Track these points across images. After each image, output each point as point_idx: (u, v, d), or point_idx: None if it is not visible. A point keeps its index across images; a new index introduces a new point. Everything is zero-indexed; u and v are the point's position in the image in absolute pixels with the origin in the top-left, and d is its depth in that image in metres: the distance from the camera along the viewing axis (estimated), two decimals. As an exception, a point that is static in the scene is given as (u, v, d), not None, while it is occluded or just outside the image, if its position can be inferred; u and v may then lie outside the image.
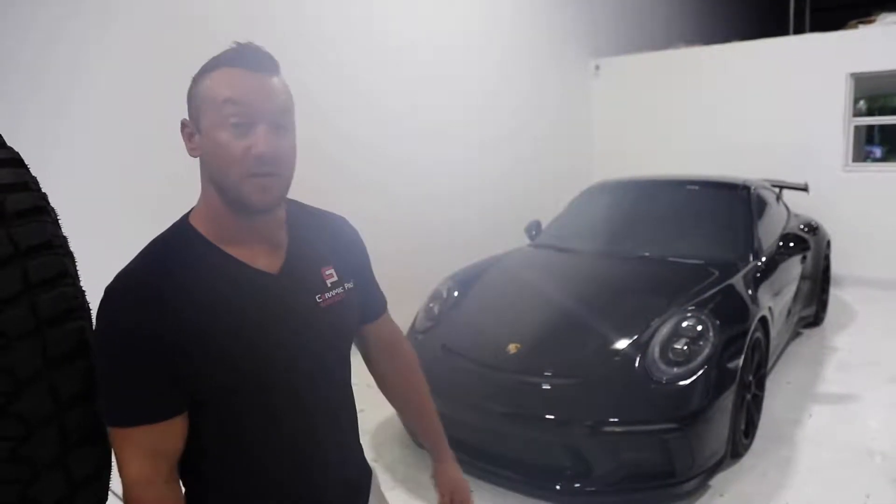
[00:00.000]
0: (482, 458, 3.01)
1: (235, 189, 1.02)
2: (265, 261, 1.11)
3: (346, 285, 1.21)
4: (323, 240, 1.22)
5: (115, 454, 1.01)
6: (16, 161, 1.09)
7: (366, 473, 1.35)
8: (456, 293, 3.72)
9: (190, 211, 1.12)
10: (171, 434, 1.01)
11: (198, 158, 1.08)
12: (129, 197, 3.57)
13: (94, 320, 1.15)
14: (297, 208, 1.22)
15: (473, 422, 3.07)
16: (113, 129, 3.51)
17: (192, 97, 1.05)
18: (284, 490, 1.13)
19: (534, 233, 4.78)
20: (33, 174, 1.12)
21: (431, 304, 3.70)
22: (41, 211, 1.06)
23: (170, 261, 1.03)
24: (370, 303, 1.36)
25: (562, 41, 7.55)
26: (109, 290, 1.00)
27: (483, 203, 6.19)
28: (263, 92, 1.02)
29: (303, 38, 4.43)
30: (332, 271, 1.19)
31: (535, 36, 7.08)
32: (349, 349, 1.27)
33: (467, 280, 3.85)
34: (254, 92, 1.01)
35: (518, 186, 6.62)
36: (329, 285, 1.17)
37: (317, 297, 1.15)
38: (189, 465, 1.08)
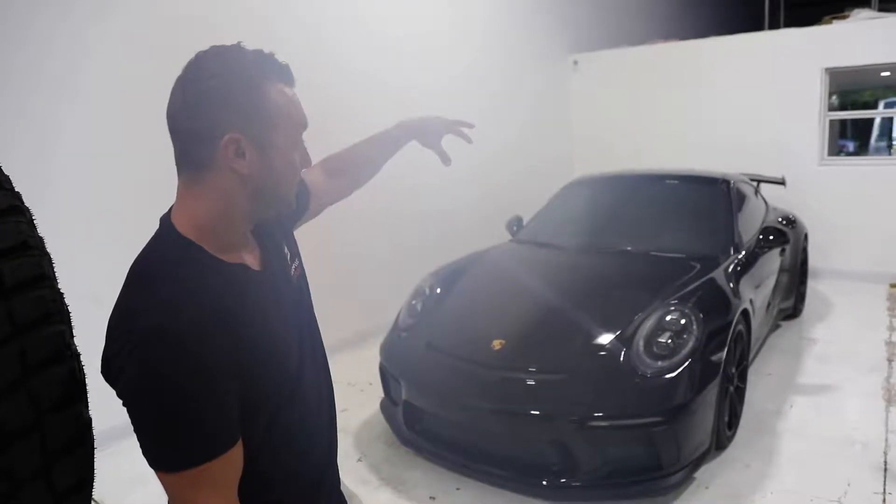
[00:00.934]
0: (468, 456, 3.00)
1: (285, 199, 1.09)
2: (252, 259, 1.11)
3: (297, 259, 1.25)
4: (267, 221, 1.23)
5: (185, 499, 0.95)
6: (-12, 160, 1.04)
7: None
8: (438, 290, 3.70)
9: (169, 220, 1.05)
10: (239, 454, 0.99)
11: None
12: (120, 199, 3.52)
13: (72, 324, 1.11)
14: None
15: (459, 419, 3.06)
16: (108, 131, 3.45)
17: (255, 110, 1.00)
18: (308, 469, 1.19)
19: (515, 228, 4.78)
20: (6, 173, 1.08)
21: (414, 302, 3.68)
22: (16, 211, 1.01)
23: (194, 281, 0.98)
24: (302, 194, 1.35)
25: (540, 36, 7.54)
26: (162, 329, 0.91)
27: (461, 199, 6.17)
28: (301, 106, 1.08)
29: (289, 26, 4.38)
30: (285, 246, 1.22)
31: (513, 31, 7.07)
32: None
33: (450, 277, 3.83)
34: (301, 107, 1.08)
35: (497, 182, 6.61)
36: (290, 259, 1.22)
37: (291, 275, 1.20)
38: None
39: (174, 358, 0.90)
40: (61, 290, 1.07)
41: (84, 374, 1.09)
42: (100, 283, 3.18)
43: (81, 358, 1.11)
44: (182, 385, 0.90)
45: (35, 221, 1.08)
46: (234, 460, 0.97)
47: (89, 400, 1.12)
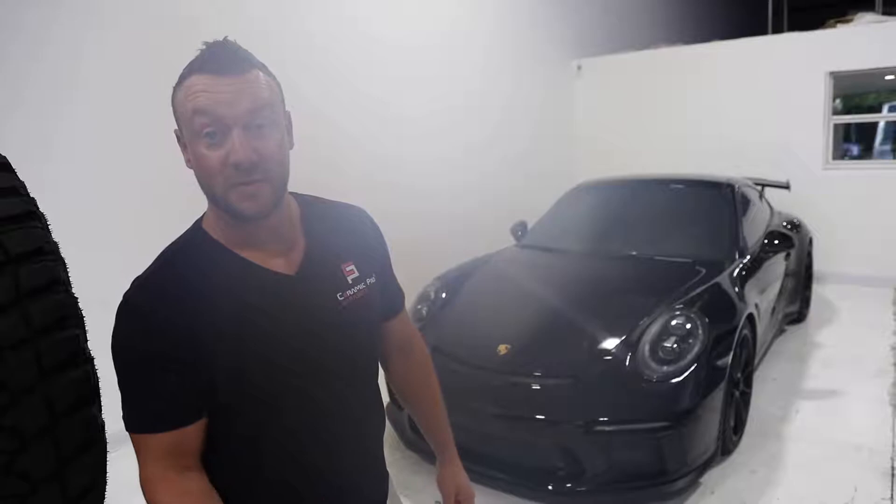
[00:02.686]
0: (472, 460, 2.95)
1: (223, 200, 0.99)
2: (281, 262, 1.08)
3: (369, 280, 1.18)
4: (342, 234, 1.18)
5: (136, 455, 1.00)
6: (3, 165, 1.06)
7: (384, 485, 1.31)
8: (444, 294, 3.70)
9: (203, 216, 1.10)
10: (189, 438, 1.00)
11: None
12: (122, 202, 3.53)
13: (86, 328, 1.13)
14: (312, 203, 1.19)
15: (464, 423, 3.04)
16: (105, 133, 3.46)
17: (173, 109, 1.01)
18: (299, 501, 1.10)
19: (520, 233, 4.78)
20: (21, 179, 1.09)
21: (419, 306, 3.68)
22: (31, 216, 1.03)
23: (184, 267, 1.01)
24: (389, 299, 1.31)
25: (544, 41, 7.57)
26: (127, 298, 0.98)
27: (466, 203, 6.18)
28: (231, 96, 0.96)
29: (290, 38, 4.40)
30: (352, 267, 1.16)
31: (517, 36, 7.09)
32: (375, 350, 1.25)
33: (455, 281, 3.84)
34: (221, 98, 0.96)
35: (501, 187, 6.63)
36: (351, 282, 1.14)
37: (338, 295, 1.12)
38: (210, 474, 1.07)
39: (130, 330, 0.97)
40: (75, 295, 1.09)
41: (97, 378, 1.10)
42: (106, 287, 3.19)
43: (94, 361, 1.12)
44: (130, 354, 0.97)
45: (49, 226, 1.09)
46: (181, 439, 0.99)
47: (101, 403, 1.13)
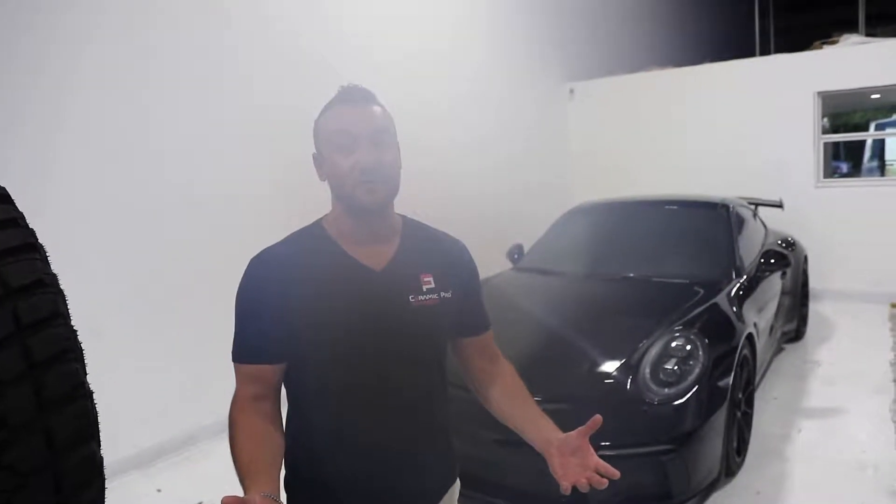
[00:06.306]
0: (475, 487, 2.94)
1: (350, 195, 1.28)
2: (373, 259, 1.32)
3: (443, 294, 1.37)
4: (431, 252, 1.41)
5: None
6: (2, 197, 1.05)
7: (443, 480, 1.49)
8: (442, 319, 3.68)
9: (324, 216, 1.38)
10: (267, 375, 1.28)
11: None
12: (116, 230, 3.50)
13: (85, 363, 1.11)
14: (416, 224, 1.45)
15: (465, 450, 2.98)
16: (108, 137, 3.45)
17: (315, 134, 1.34)
18: (347, 474, 1.30)
19: (516, 256, 4.77)
20: (20, 210, 1.08)
21: (418, 331, 3.66)
22: (31, 248, 1.02)
23: (293, 246, 1.33)
24: (472, 318, 1.49)
25: (537, 66, 7.64)
26: (251, 260, 1.30)
27: (461, 227, 6.11)
28: (361, 118, 1.28)
29: (293, 50, 4.43)
30: (430, 278, 1.36)
31: (510, 61, 7.15)
32: (440, 355, 1.41)
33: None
34: (354, 120, 1.28)
35: (496, 210, 6.62)
36: (424, 290, 1.35)
37: (410, 297, 1.32)
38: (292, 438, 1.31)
39: (243, 283, 1.29)
40: (74, 328, 1.07)
41: (97, 412, 1.08)
42: (99, 316, 3.13)
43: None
44: (239, 301, 1.29)
45: (49, 258, 1.08)
46: (257, 375, 1.27)
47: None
